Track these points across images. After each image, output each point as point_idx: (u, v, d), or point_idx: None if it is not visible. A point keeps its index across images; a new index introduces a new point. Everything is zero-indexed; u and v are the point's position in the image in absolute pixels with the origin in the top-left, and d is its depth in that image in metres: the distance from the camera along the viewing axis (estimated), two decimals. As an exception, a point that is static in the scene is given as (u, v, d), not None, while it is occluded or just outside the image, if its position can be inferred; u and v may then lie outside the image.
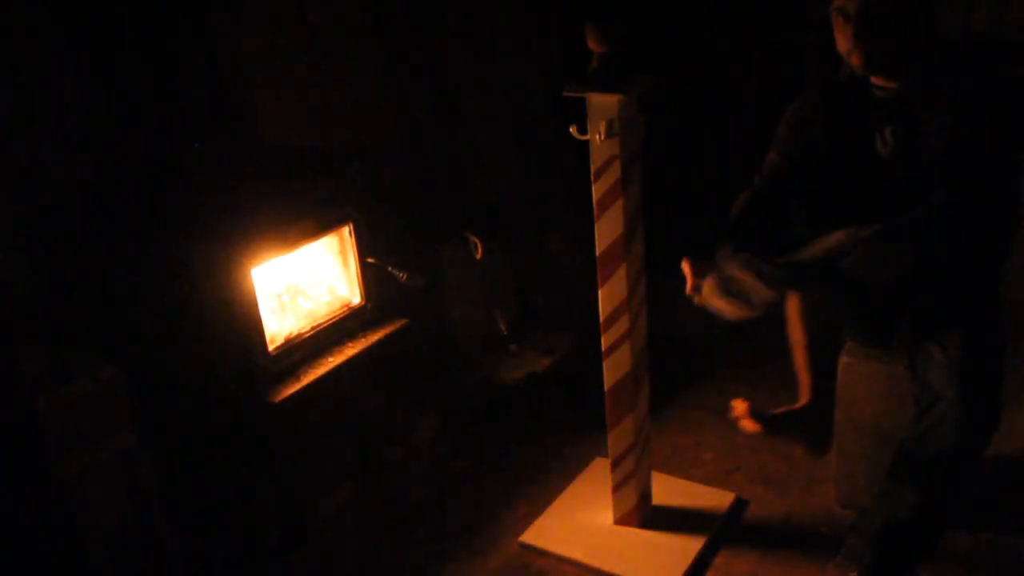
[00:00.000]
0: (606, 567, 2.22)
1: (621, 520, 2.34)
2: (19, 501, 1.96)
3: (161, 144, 2.25)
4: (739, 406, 2.10)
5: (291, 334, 2.32)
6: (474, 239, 2.88)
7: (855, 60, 1.82)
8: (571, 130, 1.88)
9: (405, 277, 2.43)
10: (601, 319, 2.14)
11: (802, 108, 2.03)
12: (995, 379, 1.88)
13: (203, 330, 2.10)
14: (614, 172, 1.97)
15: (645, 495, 2.34)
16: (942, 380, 1.87)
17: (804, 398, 2.18)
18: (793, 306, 2.12)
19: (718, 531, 2.31)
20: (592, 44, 1.91)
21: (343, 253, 2.46)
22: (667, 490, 2.46)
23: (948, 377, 1.86)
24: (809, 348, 2.15)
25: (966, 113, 1.81)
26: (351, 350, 2.38)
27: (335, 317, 2.42)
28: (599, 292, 2.11)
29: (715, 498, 2.42)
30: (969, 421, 1.83)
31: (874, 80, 1.90)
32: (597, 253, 2.08)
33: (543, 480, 2.60)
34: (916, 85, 1.86)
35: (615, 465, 2.28)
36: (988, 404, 1.85)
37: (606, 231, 2.05)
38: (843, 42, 1.82)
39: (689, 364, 3.18)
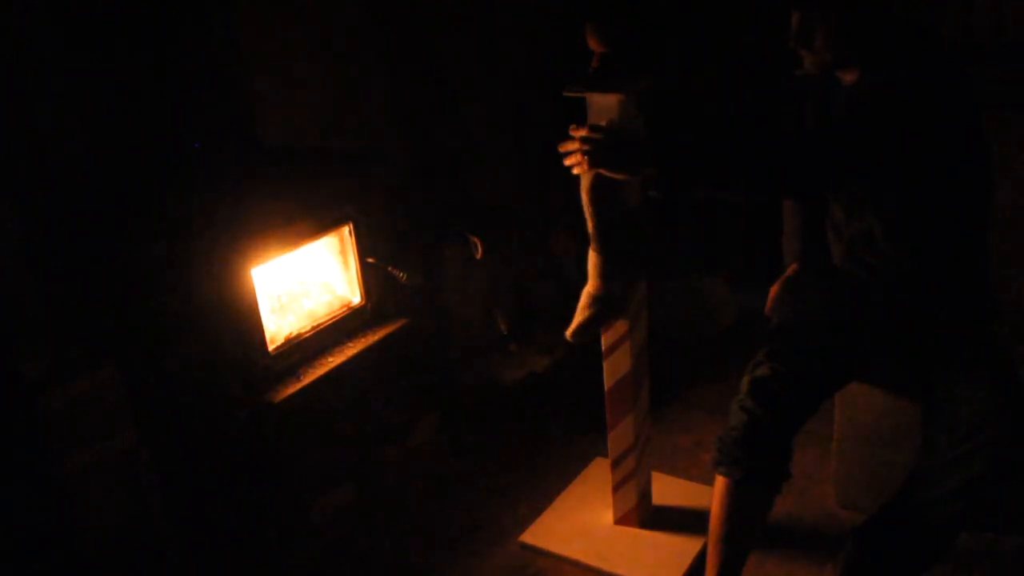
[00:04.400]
0: (606, 567, 2.22)
1: (621, 520, 2.35)
2: (19, 501, 1.96)
3: (161, 144, 2.25)
4: None
5: (291, 334, 2.32)
6: (474, 239, 2.88)
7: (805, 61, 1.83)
8: (571, 130, 1.88)
9: (405, 277, 2.43)
10: (601, 319, 2.14)
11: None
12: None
13: (203, 330, 2.10)
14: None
15: (645, 495, 2.34)
16: (983, 409, 1.74)
17: None
18: (720, 485, 1.91)
19: (718, 531, 2.32)
20: (592, 44, 1.91)
21: (343, 253, 2.46)
22: (667, 490, 2.46)
23: (990, 406, 1.74)
24: (723, 539, 1.91)
25: (854, 107, 1.78)
26: (351, 350, 2.38)
27: (335, 317, 2.42)
28: (599, 292, 2.11)
29: (715, 498, 2.42)
30: (1012, 445, 1.72)
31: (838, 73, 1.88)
32: (597, 253, 2.08)
33: (543, 480, 2.60)
34: (867, 79, 1.82)
35: (615, 465, 2.28)
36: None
37: (606, 231, 2.04)
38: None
39: (689, 364, 3.18)
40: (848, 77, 1.86)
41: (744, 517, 1.91)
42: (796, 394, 1.86)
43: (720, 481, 1.90)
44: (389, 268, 2.44)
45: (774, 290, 2.17)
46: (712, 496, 1.91)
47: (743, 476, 1.85)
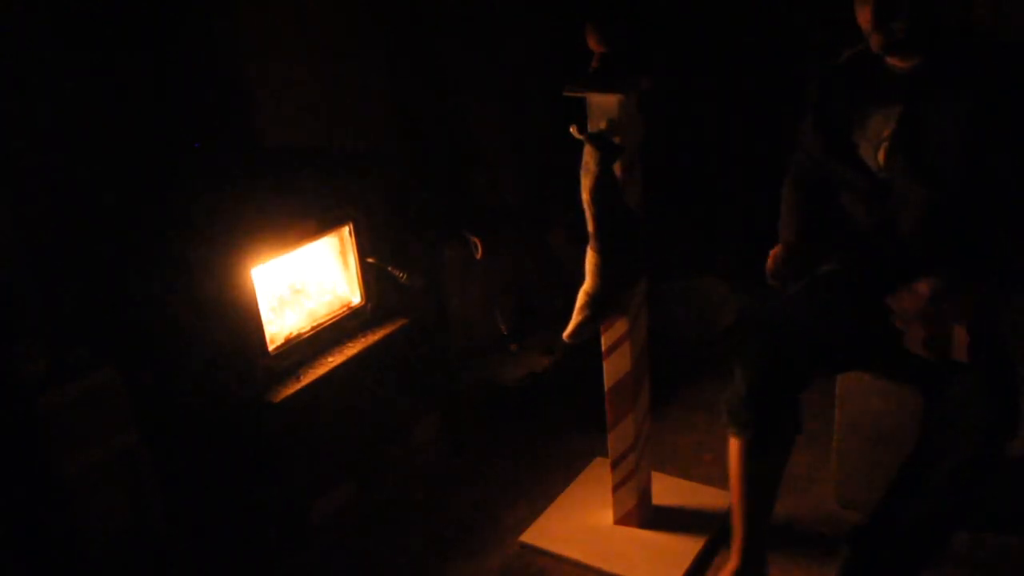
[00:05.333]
0: (606, 567, 2.22)
1: (621, 520, 2.35)
2: (19, 501, 1.96)
3: (161, 144, 2.25)
4: None
5: (291, 334, 2.32)
6: (474, 239, 2.88)
7: (874, 40, 1.78)
8: (571, 130, 1.88)
9: (405, 277, 2.43)
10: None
11: (807, 97, 2.01)
12: (1017, 384, 1.79)
13: (203, 330, 2.10)
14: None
15: (645, 495, 2.34)
16: (968, 392, 1.77)
17: (734, 561, 2.03)
18: (734, 445, 1.94)
19: (718, 531, 2.31)
20: (592, 44, 1.91)
21: (343, 253, 2.46)
22: (667, 490, 2.46)
23: (976, 389, 1.76)
24: (745, 496, 1.95)
25: (978, 101, 1.75)
26: (351, 350, 2.38)
27: (335, 317, 2.42)
28: (599, 292, 2.11)
29: (715, 498, 2.42)
30: (996, 431, 1.74)
31: (890, 60, 1.85)
32: (597, 253, 2.08)
33: (543, 480, 2.60)
34: (929, 65, 1.80)
35: (615, 465, 2.28)
36: (1013, 412, 1.76)
37: (606, 231, 2.04)
38: (863, 21, 1.78)
39: (689, 364, 3.18)
40: (902, 63, 1.82)
41: (762, 475, 1.93)
42: (802, 353, 1.86)
43: (733, 442, 1.91)
44: (389, 268, 2.44)
45: (774, 252, 2.13)
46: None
47: (754, 435, 1.86)
